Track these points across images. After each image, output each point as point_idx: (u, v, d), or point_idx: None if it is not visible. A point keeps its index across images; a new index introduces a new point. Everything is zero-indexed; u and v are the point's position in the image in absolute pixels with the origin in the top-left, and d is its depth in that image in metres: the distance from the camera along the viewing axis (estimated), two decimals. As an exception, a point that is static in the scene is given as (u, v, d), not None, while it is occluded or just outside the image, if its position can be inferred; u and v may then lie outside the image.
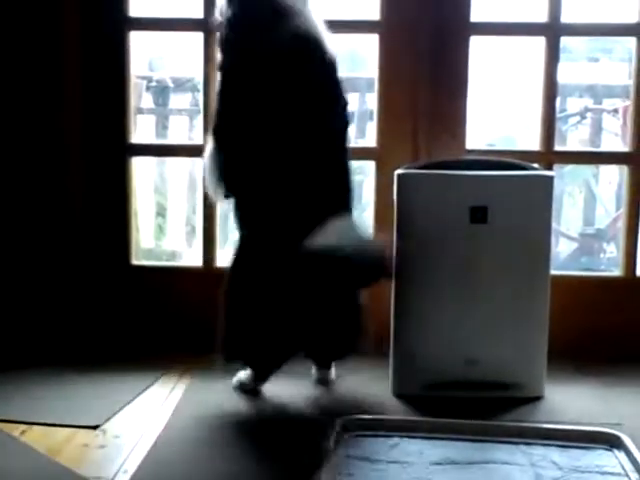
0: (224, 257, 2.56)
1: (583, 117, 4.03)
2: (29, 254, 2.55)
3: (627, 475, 1.64)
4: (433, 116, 2.48)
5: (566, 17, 2.48)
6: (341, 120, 2.10)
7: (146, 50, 3.32)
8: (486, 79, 3.55)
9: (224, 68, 2.09)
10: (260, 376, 2.13)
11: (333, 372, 2.23)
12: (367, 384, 2.18)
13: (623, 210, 2.61)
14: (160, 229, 3.58)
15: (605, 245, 3.86)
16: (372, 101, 2.65)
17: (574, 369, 2.33)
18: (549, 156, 2.50)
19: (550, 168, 2.44)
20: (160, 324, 2.55)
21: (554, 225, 2.29)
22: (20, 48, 2.47)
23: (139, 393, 2.15)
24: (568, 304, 2.40)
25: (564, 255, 3.82)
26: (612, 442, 1.77)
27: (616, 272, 2.63)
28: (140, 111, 3.64)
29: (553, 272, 2.14)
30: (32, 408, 2.03)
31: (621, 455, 1.72)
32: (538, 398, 2.12)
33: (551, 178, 2.12)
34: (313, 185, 2.00)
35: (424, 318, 2.09)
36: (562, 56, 2.51)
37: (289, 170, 1.99)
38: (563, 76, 2.60)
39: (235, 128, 2.04)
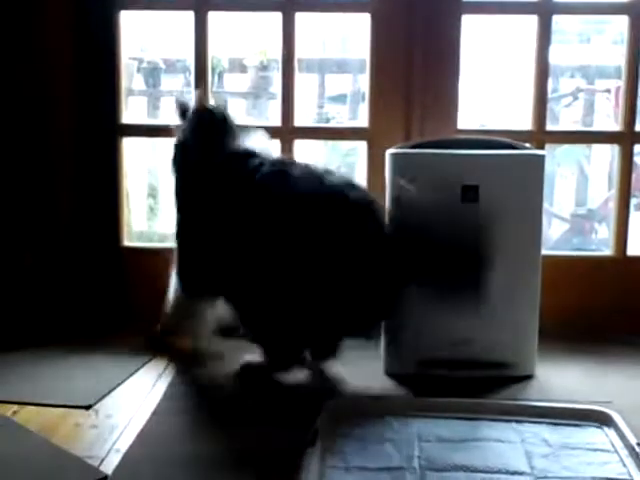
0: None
1: (575, 97, 4.03)
2: (19, 236, 2.54)
3: (617, 452, 1.65)
4: (425, 96, 2.48)
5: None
6: None
7: (137, 31, 3.30)
8: (478, 58, 3.55)
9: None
10: (279, 364, 2.07)
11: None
12: (359, 363, 2.18)
13: (614, 190, 2.62)
14: (151, 210, 3.58)
15: (597, 225, 3.87)
16: (364, 82, 2.64)
17: (565, 348, 2.34)
18: (541, 136, 2.50)
19: (542, 148, 2.44)
20: (152, 305, 2.54)
21: (546, 206, 2.29)
22: (9, 28, 2.46)
23: (131, 374, 2.15)
24: (559, 284, 2.41)
25: (556, 236, 3.84)
26: (602, 420, 1.77)
27: (607, 252, 2.63)
28: (131, 92, 3.63)
29: (544, 252, 2.15)
30: (24, 388, 2.02)
31: (611, 432, 1.73)
32: (529, 377, 2.12)
33: (542, 157, 2.12)
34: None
35: (416, 297, 2.09)
36: (554, 38, 2.50)
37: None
38: (555, 57, 2.60)
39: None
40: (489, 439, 1.70)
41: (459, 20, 2.47)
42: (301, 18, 2.50)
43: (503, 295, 2.09)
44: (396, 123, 2.49)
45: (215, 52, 2.72)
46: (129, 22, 2.57)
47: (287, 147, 2.53)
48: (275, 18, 2.51)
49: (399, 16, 2.47)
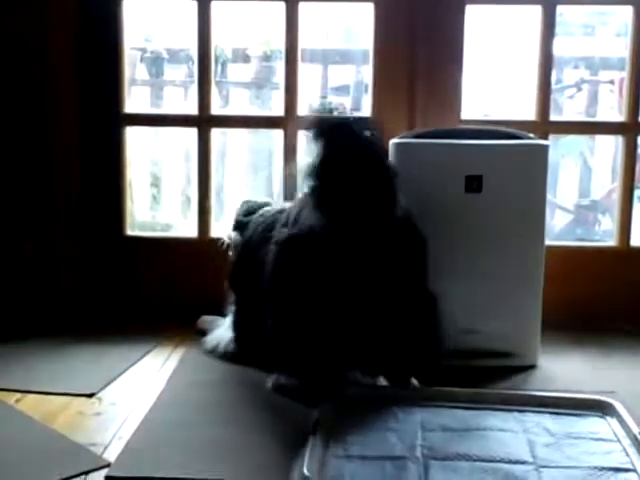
0: (219, 228, 2.56)
1: (579, 89, 4.02)
2: (23, 225, 2.54)
3: (619, 441, 1.64)
4: (428, 86, 2.47)
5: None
6: None
7: (141, 20, 3.30)
8: (482, 49, 3.53)
9: None
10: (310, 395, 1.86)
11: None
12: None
13: (618, 182, 2.62)
14: (155, 200, 3.58)
15: (600, 216, 3.87)
16: (367, 73, 2.63)
17: (568, 338, 2.34)
18: (545, 126, 2.50)
19: (546, 138, 2.43)
20: (155, 295, 2.55)
21: (550, 197, 2.28)
22: (14, 19, 2.46)
23: (134, 362, 2.16)
24: (563, 274, 2.41)
25: (559, 226, 3.83)
26: (605, 409, 1.77)
27: (610, 243, 2.63)
28: (134, 82, 3.63)
29: (548, 243, 2.15)
30: (27, 377, 2.03)
31: (613, 422, 1.73)
32: (532, 367, 2.13)
33: (546, 147, 2.12)
34: None
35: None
36: (558, 29, 2.50)
37: None
38: (559, 48, 2.59)
39: None
40: (492, 428, 1.70)
41: (463, 10, 2.46)
42: (304, 8, 2.50)
43: (506, 285, 2.09)
44: (399, 113, 2.48)
45: (218, 42, 2.73)
46: (132, 12, 2.57)
47: (290, 137, 2.53)
48: (278, 8, 2.50)
49: (402, 6, 2.46)
